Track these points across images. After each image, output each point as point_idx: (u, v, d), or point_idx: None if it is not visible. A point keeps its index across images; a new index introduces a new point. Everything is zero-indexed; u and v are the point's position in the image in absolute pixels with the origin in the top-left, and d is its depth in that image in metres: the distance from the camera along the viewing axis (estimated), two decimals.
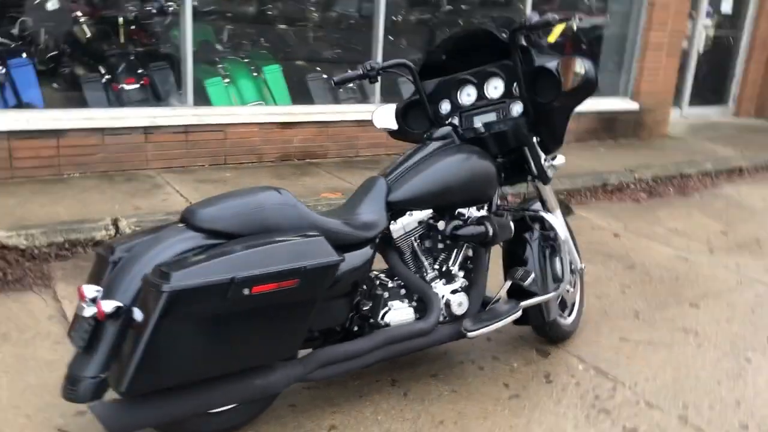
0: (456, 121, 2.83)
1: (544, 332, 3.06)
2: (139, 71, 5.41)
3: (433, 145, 2.67)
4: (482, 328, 2.63)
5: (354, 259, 2.32)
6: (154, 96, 5.41)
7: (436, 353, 2.98)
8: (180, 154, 5.24)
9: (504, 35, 2.73)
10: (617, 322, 3.42)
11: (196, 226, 2.09)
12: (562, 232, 2.90)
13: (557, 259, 3.03)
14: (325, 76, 6.28)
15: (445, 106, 2.87)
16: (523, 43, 2.66)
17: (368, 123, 6.04)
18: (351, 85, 6.33)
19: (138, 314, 1.92)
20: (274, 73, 6.04)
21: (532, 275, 2.76)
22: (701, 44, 8.83)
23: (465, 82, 2.83)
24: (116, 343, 1.95)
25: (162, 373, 1.92)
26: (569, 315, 3.17)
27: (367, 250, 2.39)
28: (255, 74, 6.00)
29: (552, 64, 2.64)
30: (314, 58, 6.40)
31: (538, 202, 3.02)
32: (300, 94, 6.11)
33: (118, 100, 5.28)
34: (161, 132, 5.12)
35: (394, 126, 2.97)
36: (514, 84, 2.74)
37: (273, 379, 2.18)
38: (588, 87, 2.61)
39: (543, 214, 2.92)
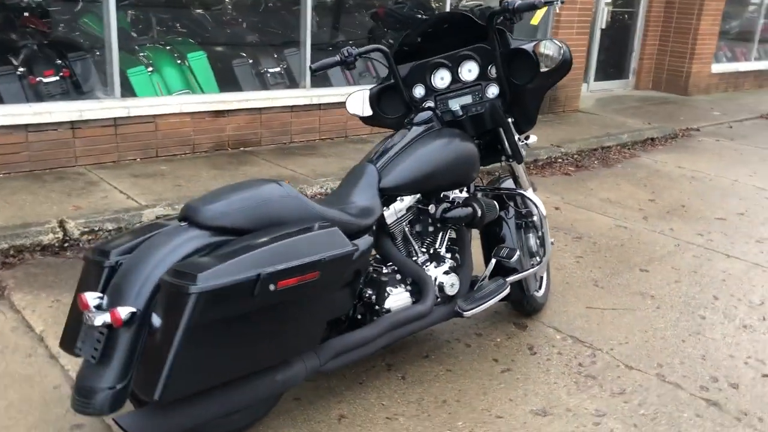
0: (431, 104, 2.85)
1: (522, 306, 3.16)
2: (57, 62, 5.08)
3: (417, 130, 2.69)
4: (477, 306, 2.69)
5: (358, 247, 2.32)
6: (75, 88, 5.10)
7: (422, 334, 3.02)
8: (110, 148, 4.98)
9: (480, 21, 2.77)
10: (579, 291, 3.59)
11: (201, 223, 2.01)
12: (544, 208, 3.00)
13: (531, 236, 3.14)
14: (251, 61, 6.13)
15: (419, 90, 2.89)
16: (501, 26, 2.72)
17: (301, 108, 5.98)
18: (278, 69, 6.26)
19: (156, 319, 1.84)
20: (199, 60, 5.83)
21: (517, 253, 2.84)
22: (603, 21, 9.26)
23: (439, 65, 2.85)
24: (132, 350, 1.87)
25: (193, 376, 1.85)
26: (540, 288, 3.29)
27: (367, 238, 2.38)
28: (179, 62, 5.77)
29: (528, 46, 2.71)
30: (238, 42, 6.23)
31: (510, 180, 3.11)
32: (227, 81, 5.94)
33: (37, 94, 4.94)
34: (89, 126, 4.84)
35: (369, 112, 2.95)
36: (489, 66, 2.79)
37: (292, 373, 2.15)
38: (564, 67, 2.70)
39: (522, 192, 3.00)
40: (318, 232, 2.06)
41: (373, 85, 2.97)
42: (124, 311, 1.83)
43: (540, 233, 3.12)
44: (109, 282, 1.96)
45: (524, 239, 3.11)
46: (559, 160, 6.10)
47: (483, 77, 2.81)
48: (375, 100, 2.95)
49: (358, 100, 2.94)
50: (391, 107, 2.95)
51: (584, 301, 3.47)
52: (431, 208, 2.63)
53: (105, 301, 1.91)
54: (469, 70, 2.82)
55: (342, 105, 6.11)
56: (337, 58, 2.71)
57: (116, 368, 1.86)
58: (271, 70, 6.21)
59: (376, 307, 2.48)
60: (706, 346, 3.10)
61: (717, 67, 10.37)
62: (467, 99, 2.82)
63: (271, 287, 1.89)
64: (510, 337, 3.08)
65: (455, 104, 2.81)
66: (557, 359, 2.92)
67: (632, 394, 2.69)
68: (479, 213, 2.64)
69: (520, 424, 2.48)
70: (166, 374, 1.78)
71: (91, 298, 1.89)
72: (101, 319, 1.83)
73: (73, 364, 2.63)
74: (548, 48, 2.70)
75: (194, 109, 5.36)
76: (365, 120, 2.99)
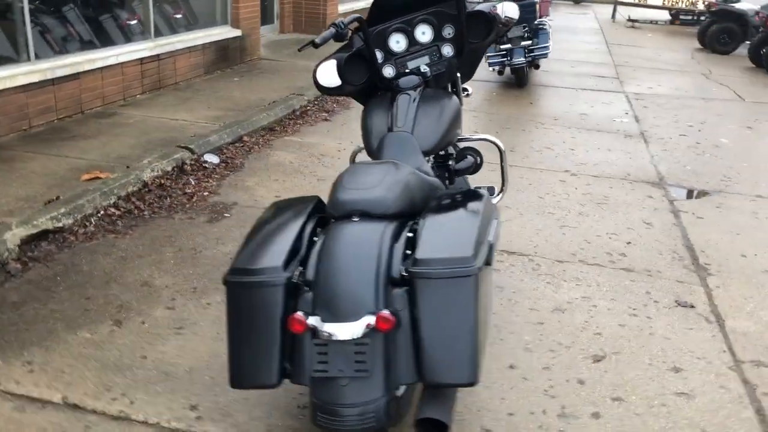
0: (391, 70, 3.01)
1: None
2: None
3: (416, 93, 2.88)
4: None
5: None
6: None
7: None
8: None
9: None
10: None
11: (379, 214, 2.05)
12: (503, 145, 3.47)
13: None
14: None
15: (379, 55, 3.03)
16: None
17: (35, 86, 5.05)
18: None
19: (422, 312, 1.88)
20: None
21: (496, 189, 3.29)
22: None
23: (396, 30, 3.01)
24: (390, 353, 1.89)
25: (483, 348, 1.97)
26: None
27: None
28: None
29: (483, 6, 3.07)
30: None
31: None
32: None
33: None
34: None
35: (338, 82, 2.98)
36: (443, 28, 3.06)
37: None
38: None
39: (487, 137, 3.37)
40: (486, 199, 2.26)
41: (338, 54, 3.00)
42: (386, 314, 1.83)
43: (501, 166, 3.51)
44: (295, 299, 1.93)
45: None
46: (309, 107, 6.45)
47: (438, 38, 3.07)
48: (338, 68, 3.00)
49: (329, 70, 2.95)
50: (354, 75, 3.01)
51: None
52: (451, 163, 2.92)
53: (316, 319, 1.87)
54: (423, 33, 3.01)
55: (75, 77, 5.39)
56: (333, 30, 2.72)
57: (380, 374, 1.87)
58: None
59: None
60: (567, 235, 4.06)
61: (342, 7, 11.62)
62: (425, 59, 3.05)
63: (493, 254, 2.10)
64: None
65: (422, 66, 3.02)
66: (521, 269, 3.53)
67: None
68: (479, 160, 3.03)
69: None
70: (473, 354, 1.87)
71: (306, 318, 1.86)
72: (353, 330, 1.81)
73: None
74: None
75: None
76: (331, 90, 3.02)
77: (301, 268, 1.99)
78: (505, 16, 3.07)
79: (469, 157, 3.00)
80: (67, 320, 2.87)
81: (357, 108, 3.17)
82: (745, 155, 5.98)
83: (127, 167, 4.32)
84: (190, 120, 5.57)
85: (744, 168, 5.56)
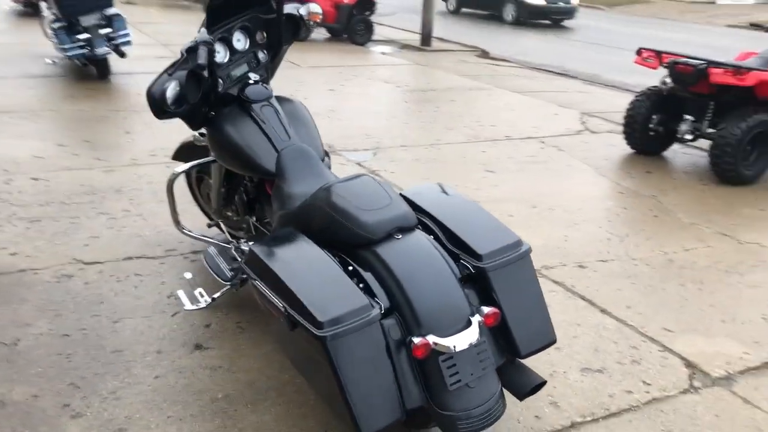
0: (255, 78, 2.88)
1: None
2: None
3: (276, 104, 2.84)
4: None
5: None
6: None
7: None
8: None
9: None
10: None
11: (413, 226, 2.24)
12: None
13: None
14: None
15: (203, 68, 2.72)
16: None
17: None
18: None
19: (501, 298, 2.16)
20: None
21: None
22: None
23: (215, 41, 2.75)
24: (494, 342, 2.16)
25: None
26: None
27: None
28: None
29: (290, 7, 3.00)
30: None
31: None
32: None
33: None
34: None
35: (190, 102, 2.62)
36: (257, 33, 2.93)
37: None
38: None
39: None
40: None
41: (175, 72, 2.62)
42: (491, 309, 2.09)
43: None
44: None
45: None
46: None
47: (253, 44, 2.93)
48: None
49: (175, 91, 2.55)
50: (192, 93, 2.62)
51: None
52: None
53: (432, 338, 1.97)
54: (239, 40, 2.87)
55: None
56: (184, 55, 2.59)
57: (493, 368, 2.09)
58: None
59: None
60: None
61: None
62: (245, 68, 2.89)
63: None
64: None
65: (250, 74, 2.87)
66: None
67: None
68: None
69: None
70: (548, 317, 2.26)
71: (425, 341, 1.95)
72: (468, 338, 1.98)
73: None
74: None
75: None
76: (174, 113, 2.62)
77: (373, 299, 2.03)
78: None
79: None
80: None
81: None
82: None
83: None
84: None
85: None
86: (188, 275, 3.03)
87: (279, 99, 2.91)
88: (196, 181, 3.61)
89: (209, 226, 3.49)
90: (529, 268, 2.24)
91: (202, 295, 2.99)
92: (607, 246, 4.09)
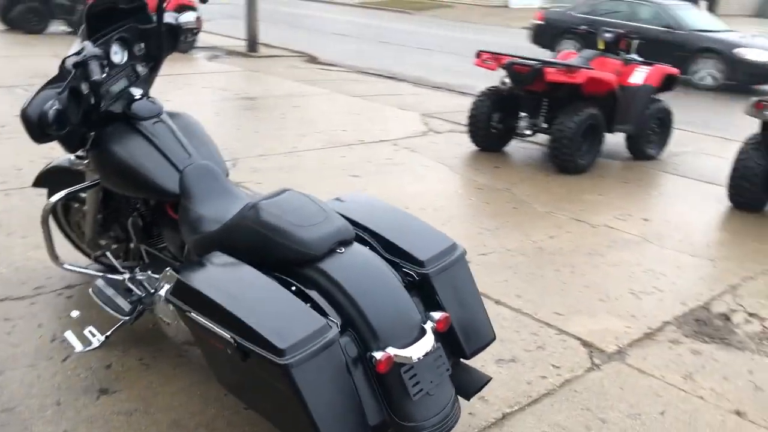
0: (141, 93, 2.71)
1: None
2: None
3: (169, 120, 2.73)
4: None
5: None
6: None
7: None
8: None
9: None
10: None
11: (351, 239, 2.19)
12: None
13: None
14: None
15: (84, 87, 2.50)
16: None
17: None
18: None
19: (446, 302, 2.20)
20: None
21: None
22: None
23: (93, 57, 2.49)
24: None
25: None
26: None
27: None
28: None
29: (168, 18, 2.88)
30: None
31: None
32: None
33: None
34: None
35: (71, 123, 2.43)
36: (135, 45, 2.77)
37: None
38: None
39: None
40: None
41: (51, 90, 2.41)
42: (442, 315, 2.08)
43: None
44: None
45: None
46: None
47: (131, 57, 2.76)
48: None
49: (54, 111, 2.30)
50: (73, 113, 2.45)
51: None
52: None
53: (392, 350, 1.93)
54: (116, 53, 2.68)
55: None
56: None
57: (448, 371, 2.08)
58: None
59: None
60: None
61: None
62: (124, 82, 2.71)
63: None
64: None
65: (132, 89, 2.70)
66: None
67: None
68: None
69: None
70: (486, 314, 2.33)
71: (387, 355, 1.91)
72: (425, 346, 1.96)
73: None
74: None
75: None
76: (47, 138, 2.41)
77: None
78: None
79: None
80: None
81: None
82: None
83: None
84: None
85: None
86: (75, 313, 2.71)
87: (169, 114, 2.75)
88: (63, 209, 3.27)
89: (95, 258, 3.19)
90: (466, 270, 2.30)
91: (93, 334, 2.69)
92: (482, 240, 4.29)
